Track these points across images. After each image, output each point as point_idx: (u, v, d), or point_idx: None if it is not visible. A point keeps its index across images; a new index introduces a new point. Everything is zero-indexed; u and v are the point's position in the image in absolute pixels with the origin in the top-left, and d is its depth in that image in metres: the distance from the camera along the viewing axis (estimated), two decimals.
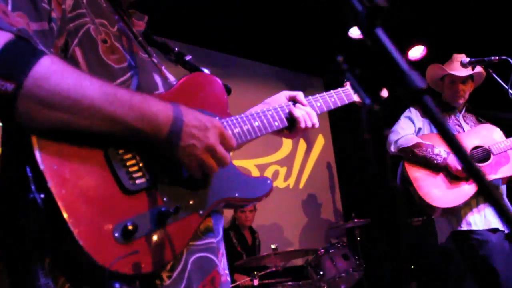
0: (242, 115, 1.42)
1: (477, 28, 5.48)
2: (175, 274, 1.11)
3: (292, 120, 1.57)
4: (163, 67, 1.42)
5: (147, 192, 1.07)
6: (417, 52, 6.26)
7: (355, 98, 1.87)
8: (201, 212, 1.17)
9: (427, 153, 3.23)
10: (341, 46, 6.27)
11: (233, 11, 5.20)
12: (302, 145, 6.70)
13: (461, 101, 3.54)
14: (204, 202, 1.19)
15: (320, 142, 6.95)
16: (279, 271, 3.97)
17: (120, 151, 1.07)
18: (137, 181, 1.06)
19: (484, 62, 2.87)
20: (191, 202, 1.15)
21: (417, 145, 3.29)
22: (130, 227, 0.98)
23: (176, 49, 1.54)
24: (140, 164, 1.09)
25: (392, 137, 3.48)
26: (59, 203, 0.91)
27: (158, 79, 1.33)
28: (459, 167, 3.14)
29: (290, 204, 6.18)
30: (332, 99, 1.75)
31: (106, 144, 1.05)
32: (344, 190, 6.92)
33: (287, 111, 1.57)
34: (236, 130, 1.35)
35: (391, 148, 3.46)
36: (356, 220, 4.65)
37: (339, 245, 4.26)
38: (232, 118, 1.38)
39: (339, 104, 1.78)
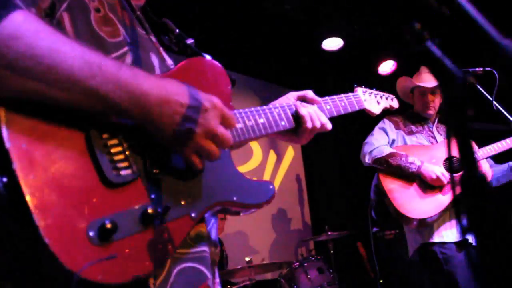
0: (247, 109, 1.27)
1: (451, 40, 5.58)
2: (158, 283, 0.96)
3: (298, 119, 1.40)
4: (161, 48, 1.28)
5: (132, 186, 0.92)
6: (387, 66, 6.32)
7: (366, 105, 1.74)
8: (193, 215, 1.02)
9: (401, 162, 3.23)
10: (313, 58, 6.28)
11: (210, 20, 5.08)
12: (272, 156, 6.61)
13: (431, 112, 3.57)
14: (197, 204, 1.04)
15: (290, 154, 6.88)
16: (252, 284, 3.82)
17: (104, 136, 0.92)
18: (122, 172, 0.91)
19: (468, 73, 2.84)
20: (182, 203, 1.00)
21: (391, 155, 3.29)
22: (108, 226, 0.83)
23: (177, 30, 1.38)
24: (127, 153, 0.94)
25: (366, 148, 3.48)
26: (25, 190, 0.76)
27: (155, 59, 1.19)
28: (433, 176, 3.15)
29: (258, 216, 6.05)
30: (343, 104, 1.60)
31: (89, 126, 0.90)
32: (313, 202, 6.86)
33: (294, 109, 1.40)
34: (238, 126, 1.21)
35: (365, 159, 3.46)
36: (330, 233, 4.56)
37: (313, 258, 4.16)
38: (235, 111, 1.24)
39: (349, 110, 1.63)
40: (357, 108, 1.68)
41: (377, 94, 1.90)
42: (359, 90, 1.78)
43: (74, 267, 0.78)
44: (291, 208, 6.55)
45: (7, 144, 0.77)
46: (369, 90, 1.85)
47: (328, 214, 6.47)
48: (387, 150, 3.36)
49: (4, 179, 0.77)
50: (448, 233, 3.21)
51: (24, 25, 0.81)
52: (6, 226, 0.79)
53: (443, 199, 3.20)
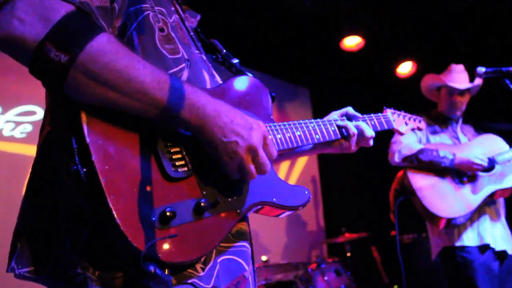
0: (285, 123, 1.44)
1: (468, 43, 5.48)
2: (207, 268, 1.10)
3: (342, 134, 1.60)
4: (210, 65, 1.44)
5: (188, 182, 1.07)
6: (405, 68, 6.22)
7: (395, 125, 1.89)
8: (238, 211, 1.15)
9: (433, 157, 3.19)
10: (332, 58, 6.19)
11: (221, 16, 5.01)
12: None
13: (458, 113, 3.52)
14: (243, 202, 1.18)
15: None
16: (268, 284, 3.74)
17: (166, 138, 1.08)
18: (180, 169, 1.06)
19: (501, 72, 2.76)
20: (229, 199, 1.14)
21: (422, 151, 3.24)
22: (168, 213, 0.97)
23: (224, 50, 1.57)
24: (184, 153, 1.09)
25: (395, 147, 3.40)
26: (101, 178, 0.91)
27: (206, 75, 1.34)
28: (471, 164, 3.11)
29: (272, 218, 5.95)
30: (373, 123, 1.77)
31: (153, 129, 1.06)
32: (328, 204, 6.77)
33: (334, 125, 1.59)
34: (278, 136, 1.37)
35: (394, 159, 3.38)
36: (347, 234, 4.47)
37: (330, 260, 4.08)
38: (276, 124, 1.39)
39: (379, 129, 1.79)
40: (386, 128, 1.84)
41: (405, 115, 2.04)
42: (388, 111, 1.93)
43: (140, 245, 0.91)
44: (306, 210, 6.45)
45: (87, 139, 0.93)
46: (397, 112, 1.99)
47: (342, 216, 6.38)
48: (417, 146, 3.30)
49: (85, 169, 0.92)
50: (469, 236, 3.15)
51: (108, 45, 0.96)
52: (82, 211, 0.94)
53: (474, 198, 3.13)
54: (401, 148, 3.34)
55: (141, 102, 0.99)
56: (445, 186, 3.19)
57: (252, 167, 1.12)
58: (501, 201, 3.37)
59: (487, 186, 3.18)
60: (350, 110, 1.69)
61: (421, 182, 3.23)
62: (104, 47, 0.95)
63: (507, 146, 3.38)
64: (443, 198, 3.15)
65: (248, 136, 1.10)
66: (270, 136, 1.19)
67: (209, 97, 1.09)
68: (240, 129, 1.10)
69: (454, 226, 3.15)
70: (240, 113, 1.13)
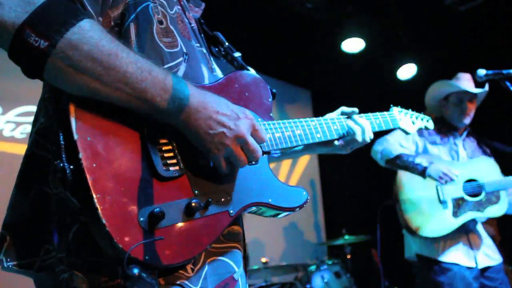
0: (285, 121, 1.40)
1: (468, 45, 5.48)
2: (196, 269, 1.08)
3: (346, 132, 1.56)
4: (211, 59, 1.40)
5: (179, 181, 1.04)
6: (407, 70, 6.20)
7: (401, 124, 1.84)
8: (231, 211, 1.12)
9: (408, 163, 3.17)
10: (332, 60, 6.19)
11: (222, 17, 5.00)
12: (287, 159, 6.50)
13: (467, 121, 3.38)
14: (236, 203, 1.14)
15: (305, 158, 6.78)
16: (268, 286, 3.74)
17: (157, 135, 1.05)
18: (171, 168, 1.03)
19: (502, 75, 2.73)
20: (222, 200, 1.11)
21: (399, 156, 3.23)
22: (157, 213, 0.94)
23: (227, 43, 1.54)
24: (176, 151, 1.07)
25: (377, 147, 3.38)
26: (88, 177, 0.89)
27: (205, 70, 1.31)
28: (440, 173, 3.07)
29: (272, 220, 5.95)
30: (378, 121, 1.72)
31: (144, 126, 1.03)
32: (328, 207, 6.76)
33: (337, 123, 1.55)
34: (277, 135, 1.34)
35: (378, 159, 3.39)
36: (347, 237, 4.46)
37: (330, 262, 4.07)
38: (275, 122, 1.36)
39: (384, 128, 1.74)
40: (391, 127, 1.79)
41: (413, 114, 1.99)
42: (395, 110, 1.88)
43: (125, 246, 0.88)
44: (306, 211, 6.47)
45: (75, 136, 0.90)
46: (405, 110, 1.94)
47: (342, 219, 6.38)
48: (396, 151, 3.25)
49: (72, 167, 0.89)
50: (452, 254, 3.12)
51: (90, 32, 0.92)
52: (71, 207, 0.90)
53: (453, 222, 3.10)
54: (382, 150, 3.31)
55: (123, 92, 0.95)
56: (429, 203, 3.16)
57: (242, 154, 1.10)
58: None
59: (468, 212, 3.12)
60: (343, 109, 1.63)
61: (407, 194, 3.23)
62: (86, 34, 0.91)
63: (500, 174, 3.30)
64: (424, 216, 3.14)
65: (235, 126, 1.08)
66: (259, 125, 1.16)
67: (193, 89, 1.05)
68: (226, 119, 1.07)
69: (432, 240, 3.13)
70: (225, 102, 1.10)
